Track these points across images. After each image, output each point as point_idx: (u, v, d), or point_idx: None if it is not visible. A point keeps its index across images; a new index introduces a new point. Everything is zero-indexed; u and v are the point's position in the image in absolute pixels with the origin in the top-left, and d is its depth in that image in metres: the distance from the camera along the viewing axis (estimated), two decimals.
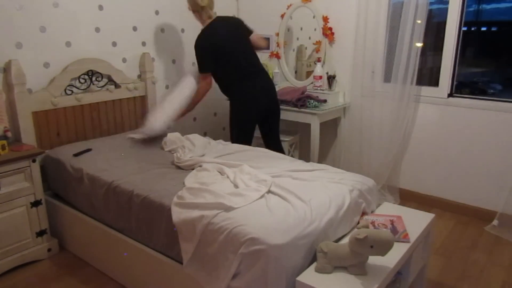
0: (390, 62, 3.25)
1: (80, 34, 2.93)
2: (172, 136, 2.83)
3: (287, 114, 3.35)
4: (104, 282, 2.36)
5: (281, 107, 3.37)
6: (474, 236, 2.89)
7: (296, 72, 3.93)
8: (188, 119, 3.87)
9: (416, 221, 2.01)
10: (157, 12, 3.41)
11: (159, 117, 2.77)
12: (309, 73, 3.79)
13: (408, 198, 3.41)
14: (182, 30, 3.65)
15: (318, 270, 1.60)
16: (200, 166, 2.36)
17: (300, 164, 2.46)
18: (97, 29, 3.02)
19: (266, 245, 1.57)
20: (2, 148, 2.37)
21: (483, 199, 3.10)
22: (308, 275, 1.59)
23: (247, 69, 2.92)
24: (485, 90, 3.58)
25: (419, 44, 3.07)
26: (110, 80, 3.12)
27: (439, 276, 2.41)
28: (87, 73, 2.96)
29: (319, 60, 3.61)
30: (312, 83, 3.60)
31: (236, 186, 2.06)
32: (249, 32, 3.05)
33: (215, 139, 2.99)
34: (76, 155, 2.60)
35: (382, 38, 3.28)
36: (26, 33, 2.64)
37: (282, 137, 3.48)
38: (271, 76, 3.89)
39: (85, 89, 2.98)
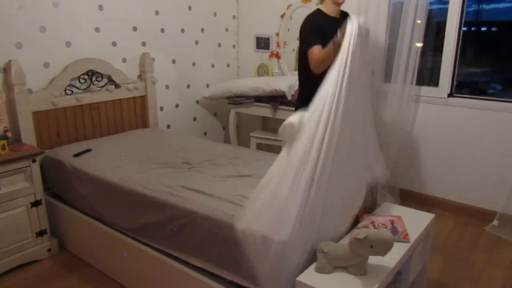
0: (390, 62, 3.25)
1: (80, 34, 2.93)
2: None
3: (288, 114, 3.34)
4: (104, 282, 2.35)
5: (280, 107, 3.38)
6: (474, 236, 2.89)
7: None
8: (188, 119, 3.87)
9: (416, 221, 2.01)
10: (157, 12, 3.41)
11: None
12: None
13: (408, 198, 3.41)
14: (182, 30, 3.65)
15: (318, 270, 1.60)
16: None
17: None
18: (97, 29, 3.02)
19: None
20: (2, 148, 2.37)
21: (483, 199, 3.10)
22: (308, 275, 1.59)
23: None
24: (485, 90, 3.59)
25: (419, 44, 3.06)
26: (110, 80, 3.12)
27: (439, 276, 2.41)
28: (87, 73, 2.96)
29: None
30: None
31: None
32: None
33: (215, 139, 3.00)
34: (76, 155, 2.60)
35: (382, 38, 3.27)
36: (26, 33, 2.64)
37: None
38: (271, 75, 3.89)
39: (85, 89, 2.98)
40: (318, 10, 2.55)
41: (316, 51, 2.40)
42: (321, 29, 2.42)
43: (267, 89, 3.33)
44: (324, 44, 2.35)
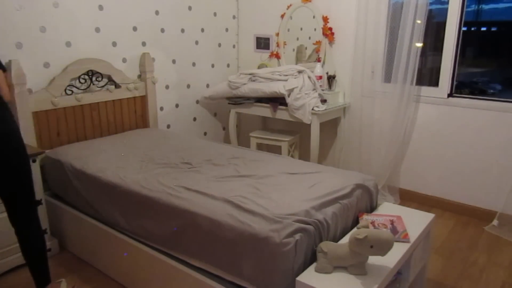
0: (390, 62, 3.25)
1: (80, 34, 2.92)
2: None
3: (287, 114, 3.35)
4: (104, 282, 2.35)
5: (280, 107, 3.37)
6: (474, 236, 2.89)
7: None
8: (188, 119, 3.87)
9: (416, 221, 2.01)
10: (157, 12, 3.41)
11: None
12: None
13: (408, 198, 3.41)
14: (182, 30, 3.65)
15: (318, 270, 1.60)
16: None
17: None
18: (97, 29, 3.02)
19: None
20: None
21: (483, 199, 3.10)
22: (308, 275, 1.59)
23: None
24: (485, 90, 3.59)
25: (419, 44, 3.07)
26: (110, 80, 3.12)
27: (439, 276, 2.41)
28: (87, 73, 2.96)
29: (319, 60, 3.61)
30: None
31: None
32: None
33: (215, 139, 3.00)
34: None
35: (382, 38, 3.27)
36: (26, 33, 2.64)
37: (282, 137, 3.49)
38: None
39: (85, 89, 2.98)
40: None
41: None
42: None
43: (266, 91, 3.33)
44: None
